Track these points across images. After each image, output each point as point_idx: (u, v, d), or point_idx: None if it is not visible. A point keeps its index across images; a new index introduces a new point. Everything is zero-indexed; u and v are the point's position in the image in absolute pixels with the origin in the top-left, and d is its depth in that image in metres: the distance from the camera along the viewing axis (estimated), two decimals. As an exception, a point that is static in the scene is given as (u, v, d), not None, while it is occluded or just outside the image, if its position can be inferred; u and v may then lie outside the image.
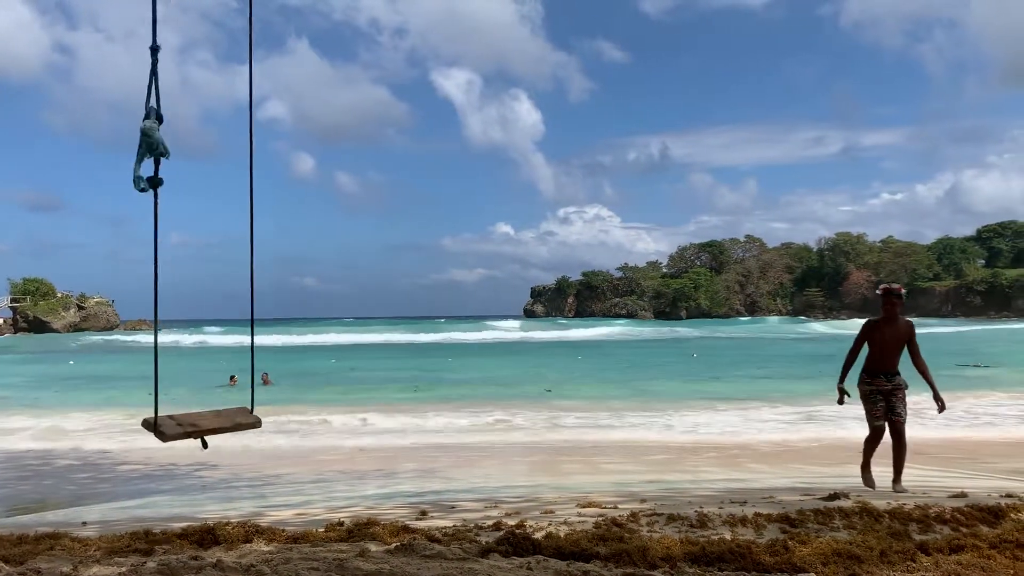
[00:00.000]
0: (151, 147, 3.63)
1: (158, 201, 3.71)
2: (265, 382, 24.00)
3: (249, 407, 4.30)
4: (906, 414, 7.44)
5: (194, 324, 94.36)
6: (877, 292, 7.70)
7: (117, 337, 67.53)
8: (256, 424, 4.26)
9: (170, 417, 3.89)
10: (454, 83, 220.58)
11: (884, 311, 7.51)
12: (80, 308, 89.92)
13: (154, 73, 3.69)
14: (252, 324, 4.39)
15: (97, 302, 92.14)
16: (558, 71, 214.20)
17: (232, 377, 24.79)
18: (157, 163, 3.67)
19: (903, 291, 7.65)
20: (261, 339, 61.52)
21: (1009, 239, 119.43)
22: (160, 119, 3.71)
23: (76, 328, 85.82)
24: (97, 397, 21.80)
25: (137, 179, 3.62)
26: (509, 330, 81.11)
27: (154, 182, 3.67)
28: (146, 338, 65.25)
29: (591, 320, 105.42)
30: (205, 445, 3.99)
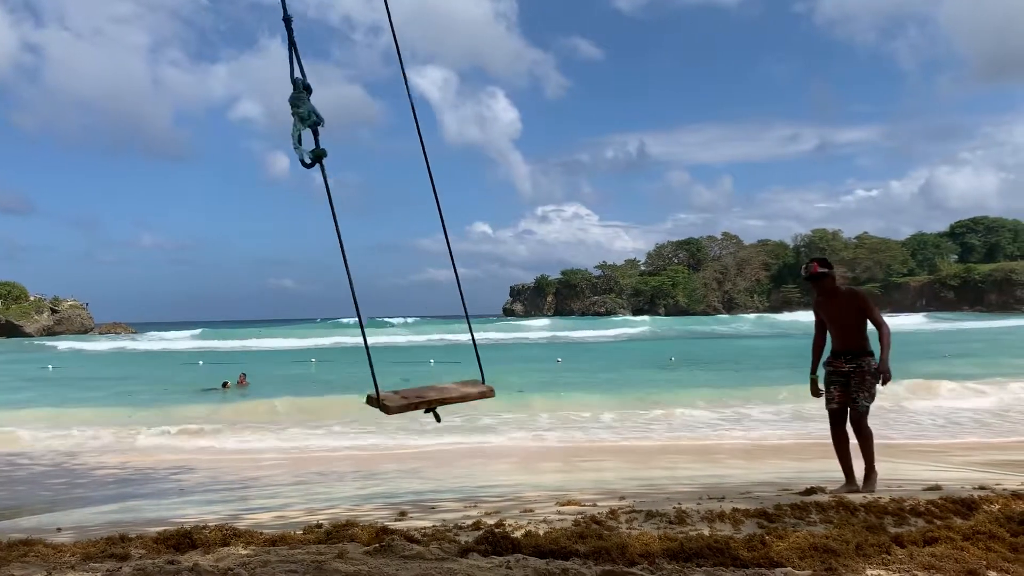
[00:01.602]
0: (302, 118, 3.50)
1: (326, 173, 3.55)
2: (241, 383, 23.82)
3: (481, 379, 4.26)
4: (867, 400, 6.77)
5: (169, 326, 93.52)
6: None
7: (90, 346, 66.65)
8: (489, 393, 4.20)
9: (395, 392, 3.88)
10: (430, 81, 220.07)
11: (815, 290, 7.10)
12: (54, 311, 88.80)
13: (292, 44, 3.57)
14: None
15: (71, 305, 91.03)
16: (534, 68, 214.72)
17: (225, 383, 24.52)
18: (316, 134, 3.54)
19: (816, 268, 6.98)
20: (237, 343, 61.07)
21: (981, 235, 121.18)
22: (309, 89, 3.56)
23: (50, 332, 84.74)
24: (75, 401, 21.53)
25: (300, 153, 3.49)
26: (539, 329, 79.29)
27: (317, 154, 3.52)
28: (121, 343, 64.69)
29: (595, 319, 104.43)
30: (438, 418, 3.95)
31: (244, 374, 24.50)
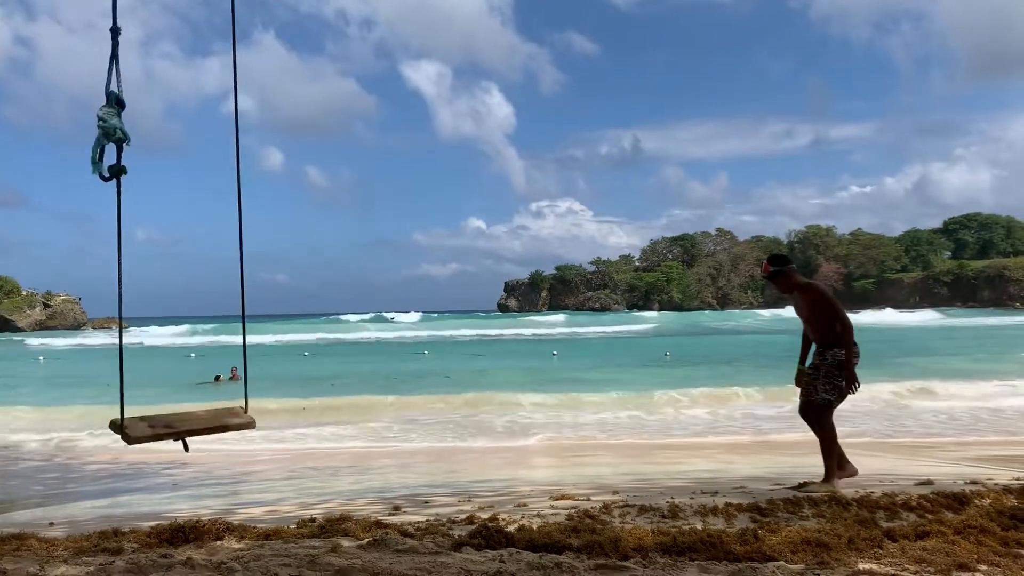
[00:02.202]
0: (107, 133, 3.47)
1: (121, 190, 3.53)
2: (233, 377, 23.80)
3: (243, 406, 4.14)
4: (827, 393, 6.65)
5: (161, 321, 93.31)
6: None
7: (84, 340, 66.48)
8: (249, 425, 4.08)
9: (141, 419, 3.73)
10: (424, 75, 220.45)
11: (774, 288, 7.09)
12: (46, 306, 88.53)
13: (114, 56, 3.54)
14: (243, 322, 4.34)
15: (64, 300, 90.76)
16: (529, 63, 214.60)
17: (217, 376, 24.49)
18: (119, 150, 3.52)
19: (767, 268, 7.01)
20: (231, 338, 61.05)
21: (975, 231, 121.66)
22: (121, 104, 3.55)
23: (42, 327, 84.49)
24: (66, 395, 21.48)
25: (94, 166, 3.46)
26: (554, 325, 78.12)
27: (116, 170, 3.50)
28: (115, 338, 64.57)
29: (606, 315, 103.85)
30: (186, 448, 3.83)
31: (235, 367, 24.46)
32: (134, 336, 64.38)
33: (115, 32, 3.55)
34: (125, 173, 3.53)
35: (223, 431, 4.07)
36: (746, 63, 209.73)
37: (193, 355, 39.43)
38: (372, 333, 68.53)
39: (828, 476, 6.67)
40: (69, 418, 16.30)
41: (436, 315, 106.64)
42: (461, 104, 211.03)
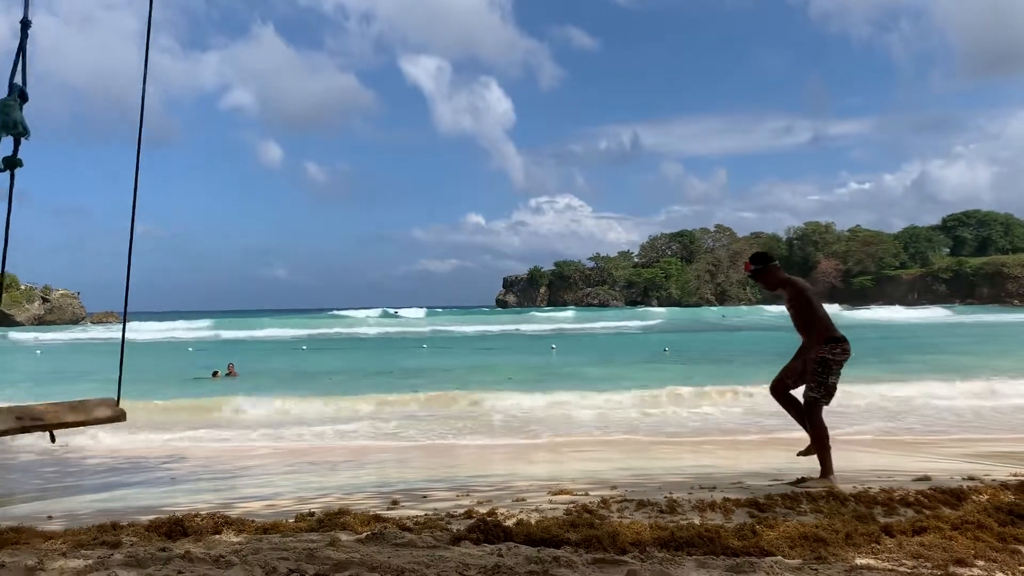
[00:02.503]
0: (6, 126, 3.47)
1: (14, 183, 3.53)
2: (231, 373, 23.78)
3: (116, 399, 4.09)
4: (812, 390, 6.63)
5: (158, 316, 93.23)
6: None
7: (80, 335, 66.47)
8: (118, 418, 4.02)
9: (8, 409, 3.69)
10: (423, 70, 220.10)
11: (762, 286, 7.14)
12: (45, 300, 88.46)
13: (22, 48, 3.57)
14: (125, 312, 4.28)
15: (62, 294, 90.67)
16: (528, 58, 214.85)
17: (215, 372, 24.44)
18: (16, 143, 3.52)
19: (748, 267, 7.10)
20: (230, 332, 61.01)
21: (973, 228, 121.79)
22: (24, 97, 3.55)
23: (41, 321, 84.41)
24: (65, 389, 21.47)
25: None
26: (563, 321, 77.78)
27: (11, 162, 3.51)
28: (111, 333, 64.53)
29: (618, 310, 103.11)
30: (53, 439, 3.82)
31: (232, 364, 24.45)
32: (129, 331, 64.31)
33: (25, 25, 3.58)
34: (21, 165, 3.53)
35: (92, 424, 4.03)
36: (746, 59, 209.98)
37: (191, 349, 39.44)
38: (372, 328, 68.56)
39: (825, 472, 6.66)
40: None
41: (441, 310, 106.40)
42: (460, 99, 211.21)
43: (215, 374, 24.25)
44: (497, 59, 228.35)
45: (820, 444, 6.68)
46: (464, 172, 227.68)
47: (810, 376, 6.66)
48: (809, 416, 6.70)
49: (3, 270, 3.67)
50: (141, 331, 60.13)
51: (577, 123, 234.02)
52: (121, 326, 4.78)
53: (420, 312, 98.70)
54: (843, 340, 6.68)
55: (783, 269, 7.05)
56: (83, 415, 3.93)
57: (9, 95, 3.54)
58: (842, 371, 6.75)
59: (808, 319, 6.76)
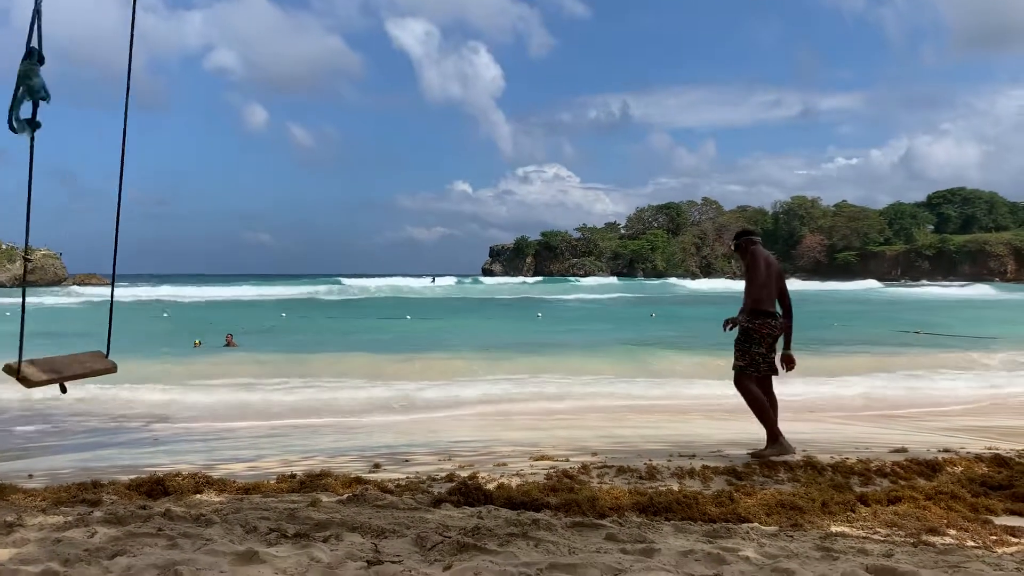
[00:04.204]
0: (31, 90, 3.51)
1: (34, 145, 3.60)
2: (229, 343, 23.69)
3: (105, 352, 4.23)
4: (736, 358, 6.73)
5: (143, 279, 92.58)
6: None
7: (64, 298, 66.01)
8: (111, 369, 4.18)
9: (31, 362, 3.81)
10: (410, 33, 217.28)
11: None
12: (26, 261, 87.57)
13: (37, 11, 3.56)
14: (114, 276, 4.34)
15: (44, 255, 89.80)
16: (518, 24, 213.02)
17: (197, 342, 24.28)
18: (36, 106, 3.56)
19: (733, 242, 7.09)
20: (217, 292, 60.65)
21: (958, 206, 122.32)
22: (41, 60, 3.57)
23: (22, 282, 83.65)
24: (46, 349, 21.30)
25: (15, 121, 3.50)
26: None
27: (33, 125, 3.56)
28: (98, 291, 64.12)
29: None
30: (64, 390, 3.92)
31: (231, 334, 24.36)
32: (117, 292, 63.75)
33: None
34: (39, 127, 3.59)
35: (92, 375, 4.17)
36: (737, 30, 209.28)
37: (166, 314, 39.07)
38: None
39: (771, 440, 6.57)
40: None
41: (469, 280, 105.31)
42: (448, 65, 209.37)
43: (197, 343, 24.13)
44: (487, 24, 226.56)
45: (757, 413, 6.64)
46: (451, 139, 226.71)
47: (735, 345, 6.71)
48: (737, 385, 6.71)
49: (28, 231, 3.77)
50: (121, 293, 59.68)
51: (566, 92, 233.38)
52: (110, 290, 4.81)
53: (451, 280, 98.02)
54: (772, 316, 6.68)
55: (760, 245, 7.00)
56: (85, 368, 4.07)
57: (28, 59, 3.55)
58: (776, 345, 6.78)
59: (748, 290, 6.76)
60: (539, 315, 38.68)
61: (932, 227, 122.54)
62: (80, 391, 13.23)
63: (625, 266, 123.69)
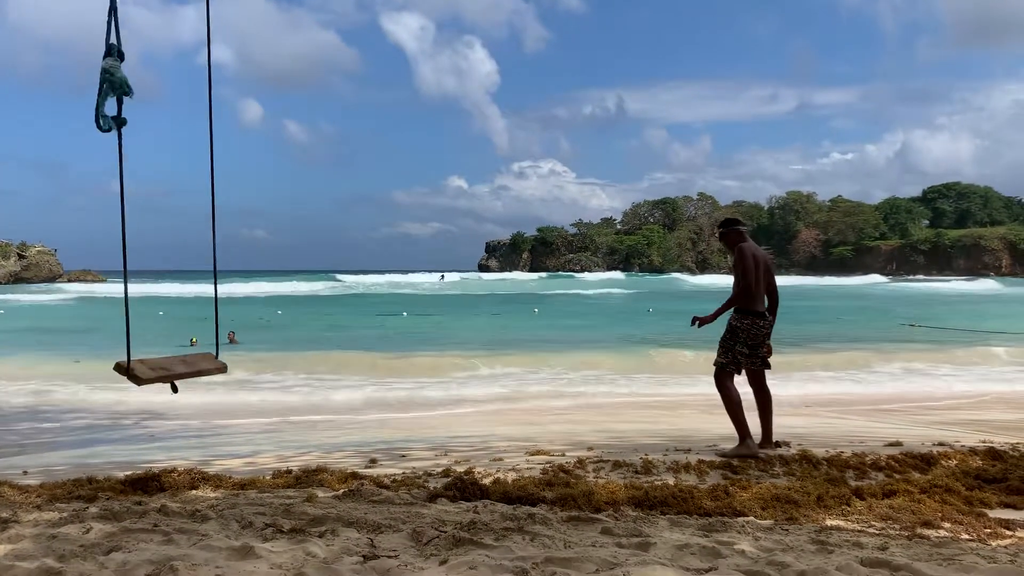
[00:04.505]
0: (114, 86, 3.57)
1: (122, 141, 3.66)
2: (231, 341, 23.65)
3: (214, 353, 4.39)
4: (718, 354, 6.67)
5: (137, 275, 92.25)
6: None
7: (60, 289, 65.82)
8: (222, 369, 4.36)
9: (141, 361, 3.94)
10: (405, 28, 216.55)
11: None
12: (21, 257, 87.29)
13: (113, 8, 3.60)
14: (215, 276, 4.40)
15: (39, 251, 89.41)
16: (513, 19, 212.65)
17: (192, 339, 24.21)
18: (120, 102, 3.62)
19: (719, 230, 7.02)
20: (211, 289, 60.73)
21: (953, 200, 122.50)
22: (121, 56, 3.62)
23: (17, 278, 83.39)
24: (39, 347, 21.30)
25: (102, 118, 3.57)
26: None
27: (119, 121, 3.62)
28: (88, 287, 64.03)
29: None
30: (175, 389, 4.06)
31: (233, 332, 24.33)
32: (109, 288, 63.73)
33: None
34: (125, 124, 3.66)
35: (201, 375, 4.34)
36: (733, 25, 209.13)
37: (161, 312, 38.89)
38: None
39: (741, 438, 6.45)
40: (47, 371, 16.18)
41: (477, 276, 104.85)
42: (443, 59, 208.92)
43: (193, 341, 24.06)
44: (481, 19, 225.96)
45: (729, 411, 6.54)
46: (447, 134, 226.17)
47: (720, 342, 6.64)
48: (716, 381, 6.64)
49: (124, 224, 3.82)
50: (112, 290, 59.42)
51: (562, 87, 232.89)
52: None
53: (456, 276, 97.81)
54: (761, 316, 6.59)
55: (747, 237, 6.90)
56: (194, 368, 4.23)
57: (108, 56, 3.59)
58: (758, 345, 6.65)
59: (733, 286, 6.68)
60: (535, 311, 38.69)
61: (927, 222, 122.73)
62: (79, 391, 13.23)
63: (621, 261, 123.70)
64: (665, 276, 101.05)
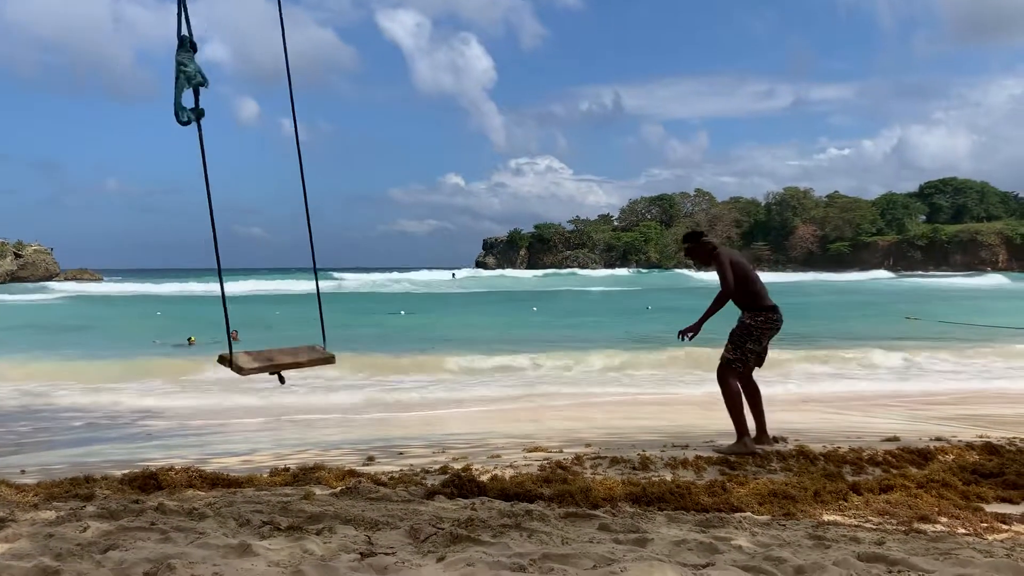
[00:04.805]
0: (189, 78, 3.57)
1: (202, 133, 3.66)
2: (234, 339, 23.58)
3: (322, 344, 4.38)
4: (726, 351, 6.64)
5: (134, 274, 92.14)
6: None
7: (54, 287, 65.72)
8: (329, 360, 4.32)
9: (245, 353, 3.98)
10: (401, 26, 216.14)
11: (699, 261, 6.94)
12: (17, 256, 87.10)
13: (182, 1, 3.60)
14: (315, 270, 4.43)
15: (35, 250, 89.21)
16: (509, 15, 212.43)
17: (190, 338, 24.14)
18: (197, 93, 3.62)
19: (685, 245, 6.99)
20: (209, 288, 60.42)
21: (949, 196, 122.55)
22: (194, 47, 3.63)
23: (14, 277, 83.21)
24: (35, 345, 21.27)
25: (180, 111, 3.57)
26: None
27: (197, 113, 3.62)
28: (85, 287, 63.99)
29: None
30: (282, 380, 4.07)
31: (236, 331, 24.28)
32: (104, 287, 63.62)
33: None
34: (204, 115, 3.66)
35: (308, 366, 4.30)
36: (729, 21, 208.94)
37: (160, 313, 38.77)
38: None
39: (739, 435, 6.47)
40: (46, 371, 16.16)
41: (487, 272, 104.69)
42: (440, 56, 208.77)
43: (191, 340, 23.98)
44: (477, 15, 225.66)
45: (730, 407, 6.54)
46: (443, 132, 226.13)
47: (730, 338, 6.61)
48: (719, 376, 6.62)
49: (213, 220, 3.84)
50: (110, 289, 59.38)
51: (558, 83, 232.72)
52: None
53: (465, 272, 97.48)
54: (773, 309, 6.60)
55: (714, 244, 6.83)
56: (301, 358, 4.21)
57: (181, 48, 3.60)
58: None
59: (741, 294, 6.61)
60: (534, 309, 38.67)
61: (924, 217, 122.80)
62: (77, 389, 13.21)
63: (618, 258, 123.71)
64: (668, 272, 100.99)
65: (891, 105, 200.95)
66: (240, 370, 3.86)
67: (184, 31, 3.60)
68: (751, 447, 6.33)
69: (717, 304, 6.50)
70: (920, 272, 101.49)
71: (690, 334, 6.50)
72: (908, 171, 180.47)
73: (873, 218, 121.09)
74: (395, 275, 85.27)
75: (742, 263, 6.73)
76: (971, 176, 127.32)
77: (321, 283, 4.86)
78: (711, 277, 6.59)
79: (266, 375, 4.03)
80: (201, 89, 3.65)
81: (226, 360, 3.86)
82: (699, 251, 6.84)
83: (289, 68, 4.14)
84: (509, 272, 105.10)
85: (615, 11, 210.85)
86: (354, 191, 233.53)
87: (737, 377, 6.63)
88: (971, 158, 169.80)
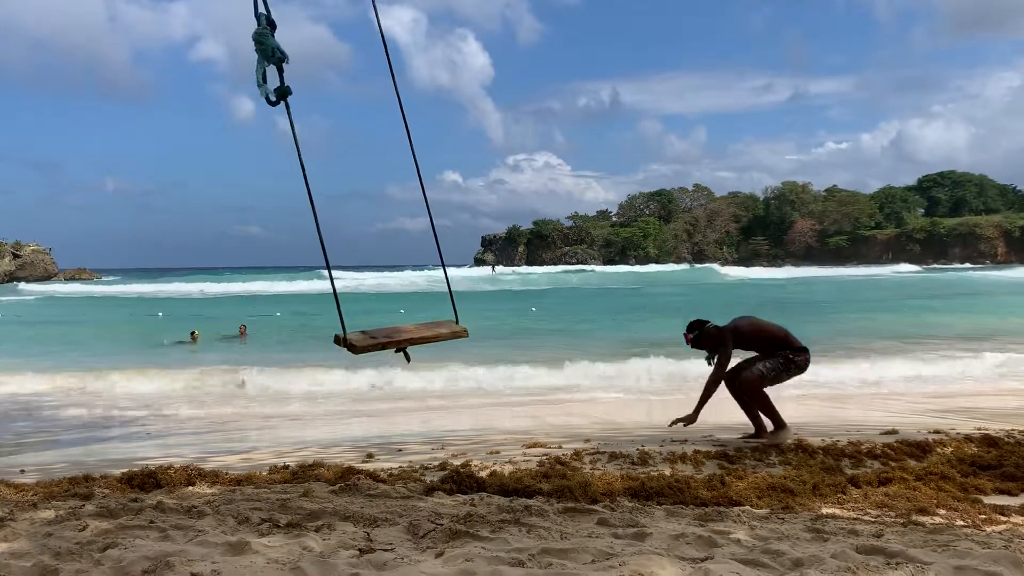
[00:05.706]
0: (266, 54, 3.49)
1: (291, 112, 3.52)
2: (242, 334, 23.56)
3: (455, 319, 4.36)
4: (757, 365, 6.85)
5: (133, 274, 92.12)
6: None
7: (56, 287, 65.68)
8: (462, 334, 4.28)
9: (363, 332, 3.98)
10: (397, 22, 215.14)
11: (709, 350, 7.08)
12: (16, 256, 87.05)
13: None
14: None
15: (34, 250, 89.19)
16: (506, 11, 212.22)
17: (193, 333, 24.08)
18: (280, 71, 3.52)
19: (688, 340, 7.19)
20: (209, 288, 60.44)
21: (948, 189, 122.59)
22: (273, 25, 3.54)
23: (12, 277, 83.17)
24: (36, 344, 21.26)
25: (264, 92, 3.48)
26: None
27: (282, 91, 3.50)
28: (86, 287, 63.97)
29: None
30: (408, 358, 4.05)
31: (244, 325, 24.23)
32: (103, 286, 63.53)
33: None
34: (290, 93, 3.53)
35: (438, 340, 4.26)
36: (727, 15, 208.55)
37: (161, 314, 38.72)
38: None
39: (777, 427, 6.66)
40: (42, 366, 16.15)
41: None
42: (436, 52, 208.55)
43: (193, 335, 23.92)
44: (474, 11, 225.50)
45: (766, 409, 6.71)
46: (441, 128, 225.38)
47: (774, 360, 6.75)
48: (751, 390, 6.74)
49: (313, 207, 3.83)
50: (108, 288, 59.25)
51: (556, 79, 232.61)
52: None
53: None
54: (804, 350, 6.86)
55: (717, 328, 6.99)
56: (430, 332, 4.21)
57: (259, 25, 3.53)
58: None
59: (768, 344, 6.85)
60: (533, 309, 38.61)
61: (922, 210, 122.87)
62: (76, 389, 13.21)
63: (617, 254, 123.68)
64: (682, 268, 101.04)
65: (889, 98, 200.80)
66: (353, 348, 3.87)
67: (261, 8, 3.54)
68: (784, 437, 6.49)
69: (710, 390, 6.79)
70: (944, 264, 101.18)
71: (683, 424, 6.72)
72: (906, 164, 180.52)
73: (872, 212, 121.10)
74: (408, 273, 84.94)
75: (752, 325, 6.98)
76: (969, 169, 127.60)
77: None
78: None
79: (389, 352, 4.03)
80: (277, 68, 3.54)
81: (340, 340, 3.87)
82: (707, 339, 6.98)
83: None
84: (536, 269, 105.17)
85: (611, 6, 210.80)
86: (352, 188, 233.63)
87: (726, 379, 6.84)
88: (969, 151, 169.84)
